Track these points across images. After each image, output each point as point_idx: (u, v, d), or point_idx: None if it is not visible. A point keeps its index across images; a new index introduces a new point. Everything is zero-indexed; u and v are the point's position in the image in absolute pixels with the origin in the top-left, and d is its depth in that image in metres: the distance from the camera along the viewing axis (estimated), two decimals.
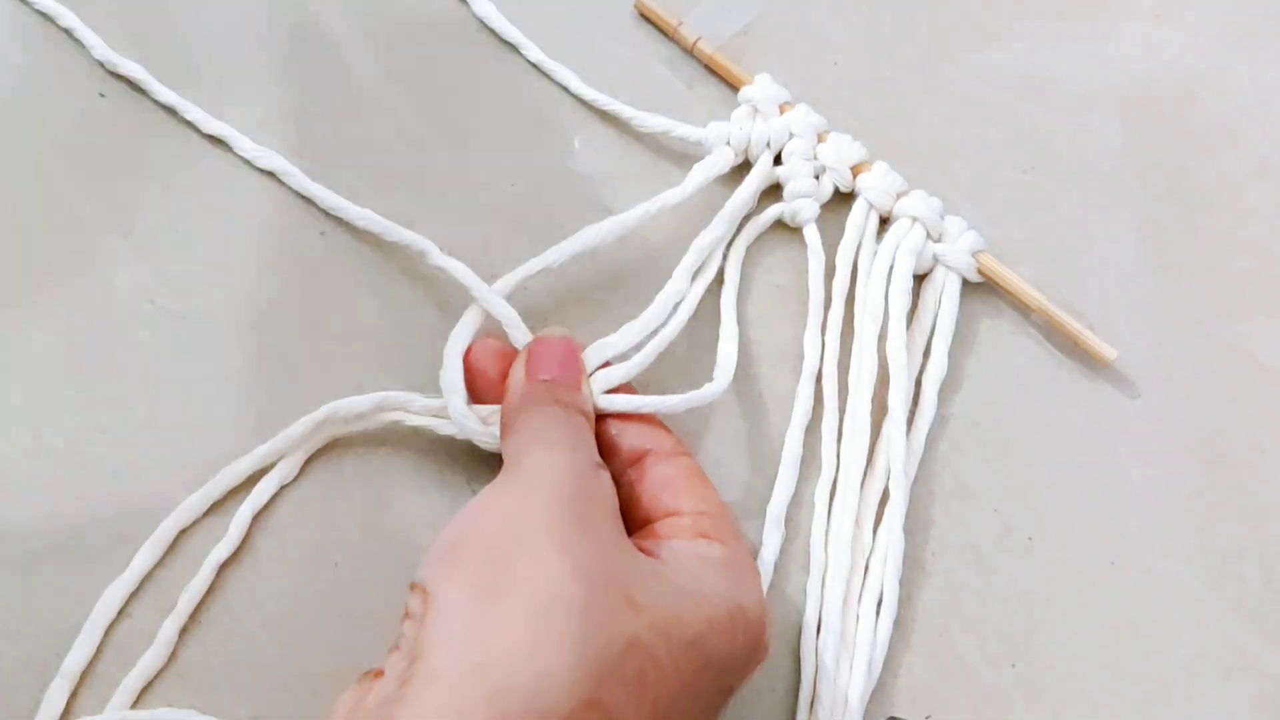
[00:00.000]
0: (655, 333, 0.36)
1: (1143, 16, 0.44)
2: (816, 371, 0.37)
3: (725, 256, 0.39)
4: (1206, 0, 0.44)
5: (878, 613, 0.35)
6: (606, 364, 0.35)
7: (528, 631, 0.26)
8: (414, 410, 0.35)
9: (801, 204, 0.39)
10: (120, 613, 0.33)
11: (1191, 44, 0.44)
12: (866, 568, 0.35)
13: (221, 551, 0.34)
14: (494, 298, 0.35)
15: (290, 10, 0.41)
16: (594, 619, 0.26)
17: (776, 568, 0.35)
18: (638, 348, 0.35)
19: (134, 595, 0.33)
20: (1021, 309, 0.39)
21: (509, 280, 0.36)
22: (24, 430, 0.35)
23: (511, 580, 0.26)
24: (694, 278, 0.38)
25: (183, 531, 0.34)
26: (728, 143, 0.39)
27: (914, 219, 0.39)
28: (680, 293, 0.37)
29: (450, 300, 0.37)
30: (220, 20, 0.41)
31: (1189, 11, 0.44)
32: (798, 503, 0.36)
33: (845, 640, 0.34)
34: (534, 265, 0.36)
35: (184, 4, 0.41)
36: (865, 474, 0.36)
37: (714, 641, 0.28)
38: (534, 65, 0.41)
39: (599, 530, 0.29)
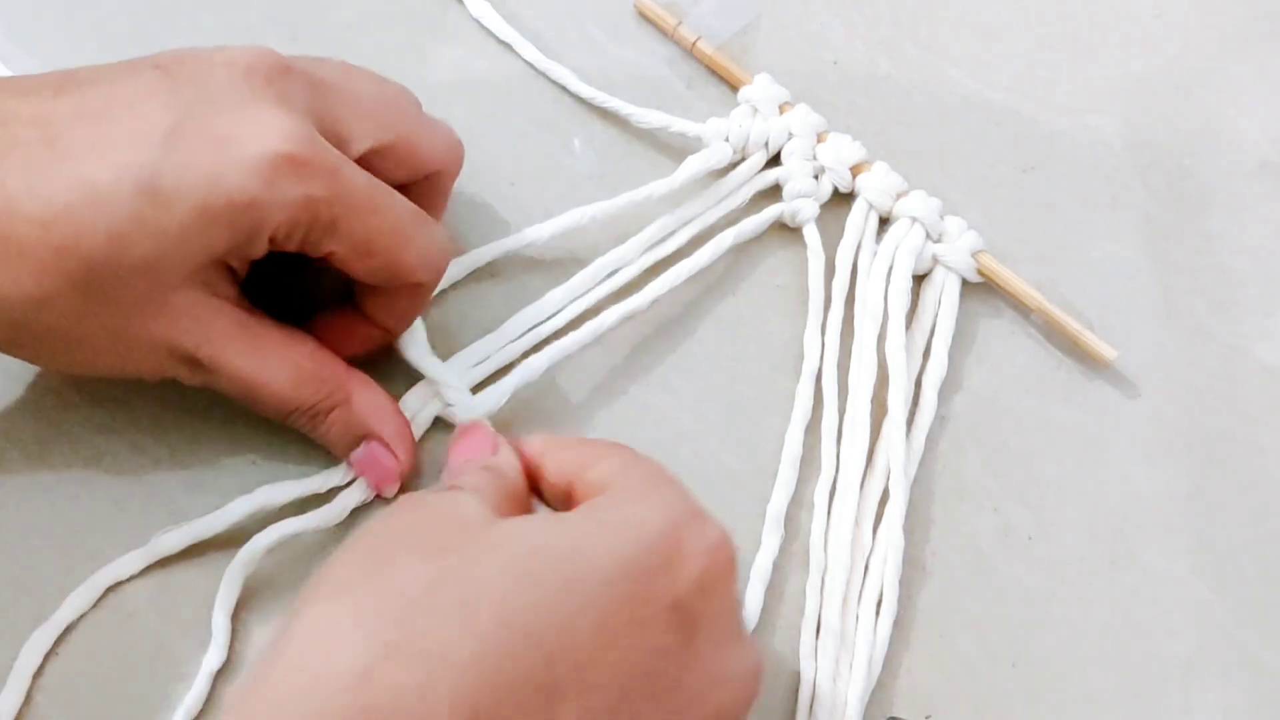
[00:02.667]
0: (579, 298, 0.37)
1: (1143, 16, 0.44)
2: (816, 371, 0.37)
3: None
4: (1206, 0, 0.44)
5: (878, 613, 0.35)
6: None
7: None
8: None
9: (801, 204, 0.39)
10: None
11: (1191, 44, 0.44)
12: (866, 568, 0.35)
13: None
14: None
15: (287, 9, 0.41)
16: None
17: (776, 568, 0.35)
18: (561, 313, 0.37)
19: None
20: (1021, 309, 0.39)
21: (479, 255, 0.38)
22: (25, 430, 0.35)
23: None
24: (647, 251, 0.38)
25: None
26: (726, 139, 0.39)
27: (913, 219, 0.39)
28: (621, 260, 0.37)
29: None
30: (219, 21, 0.41)
31: (1189, 11, 0.44)
32: (798, 503, 0.36)
33: (845, 640, 0.34)
34: (519, 239, 0.37)
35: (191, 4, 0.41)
36: (865, 474, 0.36)
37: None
38: (531, 65, 0.41)
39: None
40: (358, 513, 0.35)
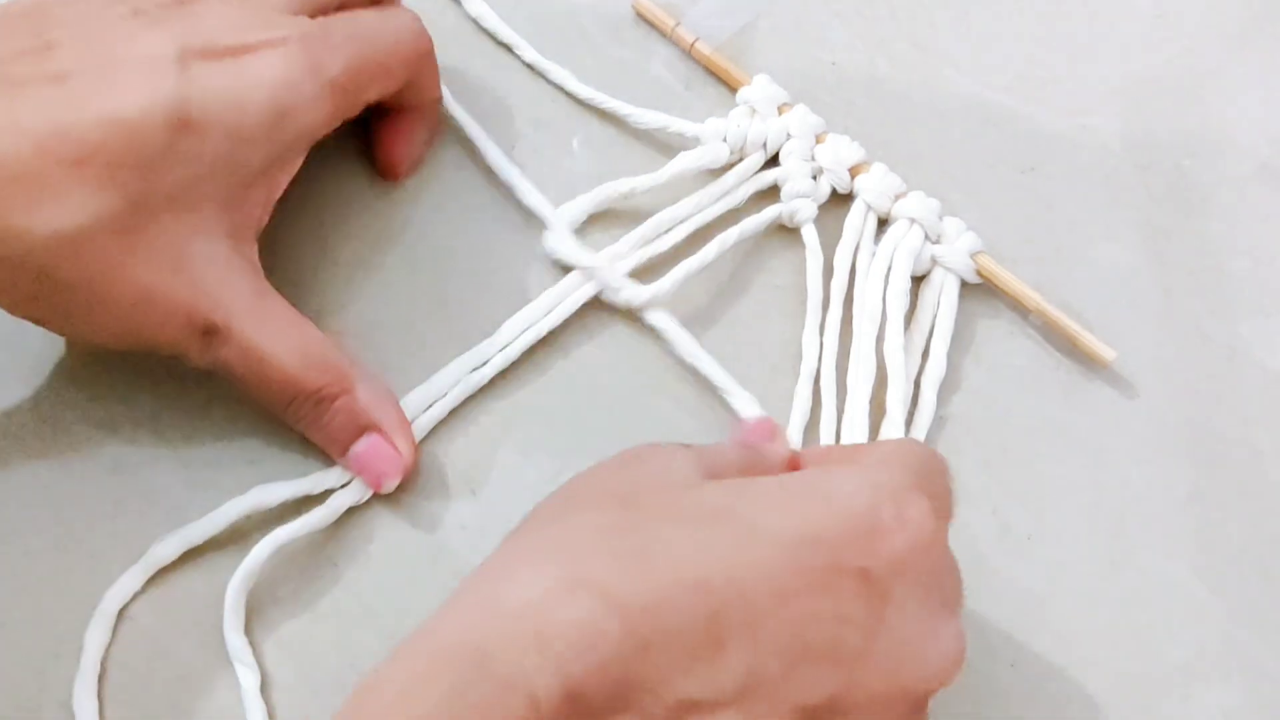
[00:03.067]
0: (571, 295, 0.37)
1: (1143, 16, 0.44)
2: (814, 372, 0.37)
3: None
4: (1207, 1, 0.44)
5: None
6: None
7: None
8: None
9: (799, 204, 0.39)
10: None
11: (1191, 44, 0.44)
12: None
13: None
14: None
15: None
16: None
17: None
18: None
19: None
20: (1020, 310, 0.39)
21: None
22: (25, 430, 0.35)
23: None
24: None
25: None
26: (724, 139, 0.39)
27: (912, 220, 0.39)
28: (615, 255, 0.38)
29: None
30: None
31: (1189, 11, 0.44)
32: None
33: None
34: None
35: None
36: None
37: None
38: (529, 66, 0.41)
39: None
40: (353, 513, 0.35)
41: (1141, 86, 0.43)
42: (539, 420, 0.37)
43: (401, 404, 0.35)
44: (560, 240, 0.38)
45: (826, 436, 0.37)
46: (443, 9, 0.42)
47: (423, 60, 0.37)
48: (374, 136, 0.38)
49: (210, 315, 0.31)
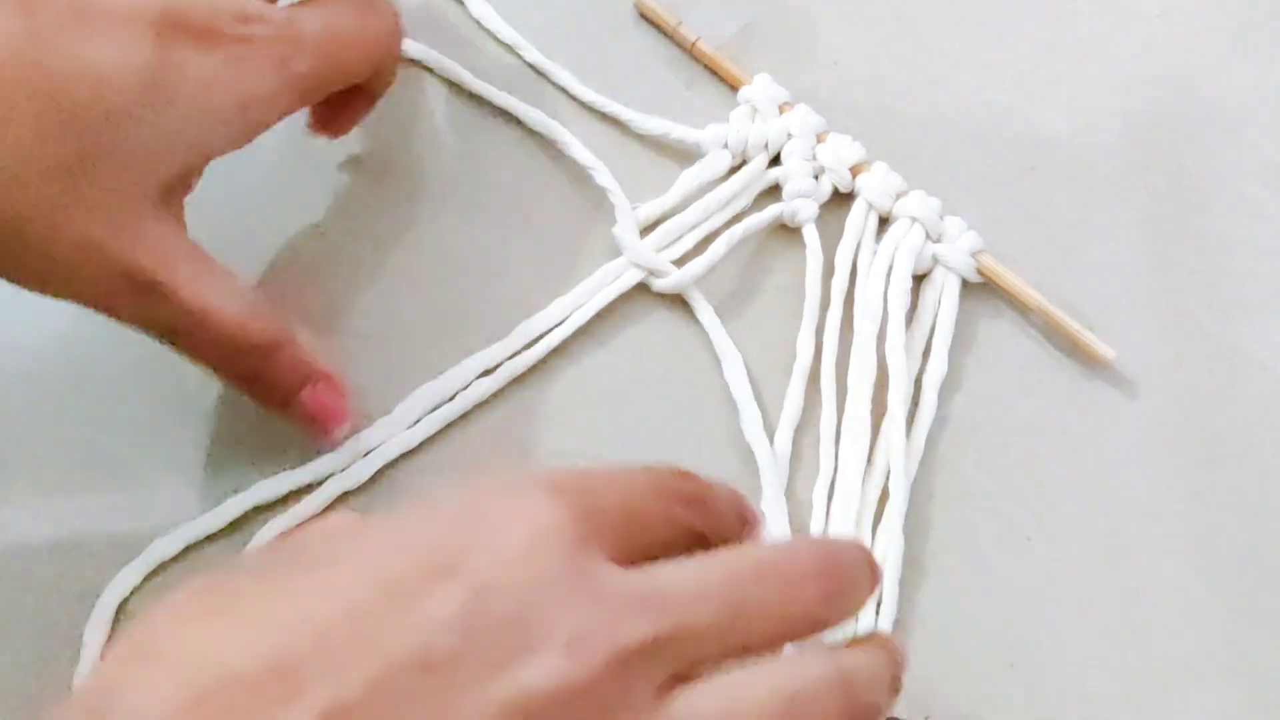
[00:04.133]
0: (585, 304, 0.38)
1: (1143, 16, 0.44)
2: (808, 371, 0.37)
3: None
4: (1208, 1, 0.44)
5: (877, 613, 0.35)
6: None
7: None
8: None
9: (800, 204, 0.39)
10: None
11: (1191, 44, 0.44)
12: None
13: None
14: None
15: None
16: None
17: None
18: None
19: None
20: (1021, 309, 0.39)
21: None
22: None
23: None
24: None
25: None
26: (725, 145, 0.40)
27: (913, 219, 0.39)
28: (621, 268, 0.38)
29: None
30: None
31: (1189, 11, 0.44)
32: (797, 503, 0.36)
33: None
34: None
35: None
36: (865, 474, 0.36)
37: None
38: (531, 66, 0.41)
39: None
40: (347, 497, 0.35)
41: (1141, 86, 0.43)
42: (544, 418, 0.37)
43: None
44: (629, 233, 0.38)
45: (826, 436, 0.37)
46: (445, 8, 0.42)
47: (392, 60, 0.36)
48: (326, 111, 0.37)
49: (152, 273, 0.30)
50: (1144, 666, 0.35)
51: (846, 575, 0.26)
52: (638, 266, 0.38)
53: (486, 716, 0.21)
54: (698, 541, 0.26)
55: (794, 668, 0.25)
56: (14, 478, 0.35)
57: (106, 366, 0.36)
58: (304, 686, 0.21)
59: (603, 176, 0.39)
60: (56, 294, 0.31)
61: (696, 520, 0.26)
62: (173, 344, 0.32)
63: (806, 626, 0.25)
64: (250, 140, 0.33)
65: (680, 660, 0.23)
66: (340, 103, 0.36)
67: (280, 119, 0.33)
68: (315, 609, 0.22)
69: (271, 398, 0.33)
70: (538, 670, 0.22)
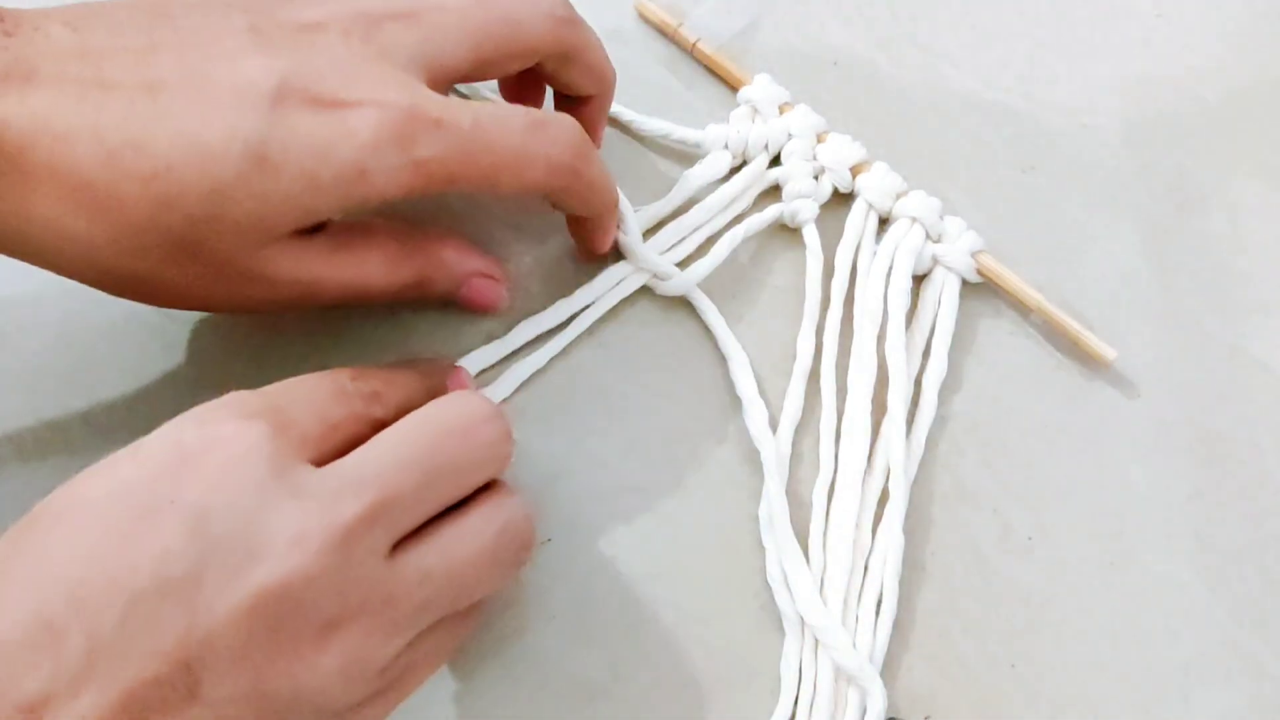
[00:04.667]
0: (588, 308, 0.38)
1: (1143, 16, 0.44)
2: (808, 371, 0.37)
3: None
4: (1206, 0, 0.44)
5: (877, 613, 0.35)
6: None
7: None
8: None
9: (800, 204, 0.39)
10: None
11: (1191, 44, 0.44)
12: (866, 568, 0.35)
13: None
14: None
15: None
16: None
17: None
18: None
19: None
20: (1021, 309, 0.39)
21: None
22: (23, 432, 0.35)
23: None
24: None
25: None
26: (725, 146, 0.40)
27: (913, 219, 0.39)
28: (626, 272, 0.38)
29: None
30: None
31: (1189, 11, 0.44)
32: (797, 503, 0.36)
33: None
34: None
35: None
36: (864, 474, 0.36)
37: None
38: None
39: None
40: None
41: (1141, 86, 0.43)
42: (545, 419, 0.37)
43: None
44: (633, 237, 0.38)
45: (826, 436, 0.37)
46: None
47: (570, 182, 0.34)
48: (571, 230, 0.38)
49: (292, 284, 0.32)
50: (1144, 666, 0.35)
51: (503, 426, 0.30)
52: (643, 270, 0.38)
53: (234, 623, 0.25)
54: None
55: (498, 505, 0.30)
56: (14, 481, 0.35)
57: (108, 367, 0.36)
58: (62, 637, 0.24)
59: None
60: (233, 312, 0.35)
61: (377, 411, 0.30)
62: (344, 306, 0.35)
63: (495, 466, 0.30)
64: (368, 207, 0.32)
65: (395, 527, 0.27)
66: (580, 232, 0.37)
67: (398, 199, 0.32)
68: (57, 568, 0.25)
69: (439, 301, 0.37)
70: (268, 570, 0.25)
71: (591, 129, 0.37)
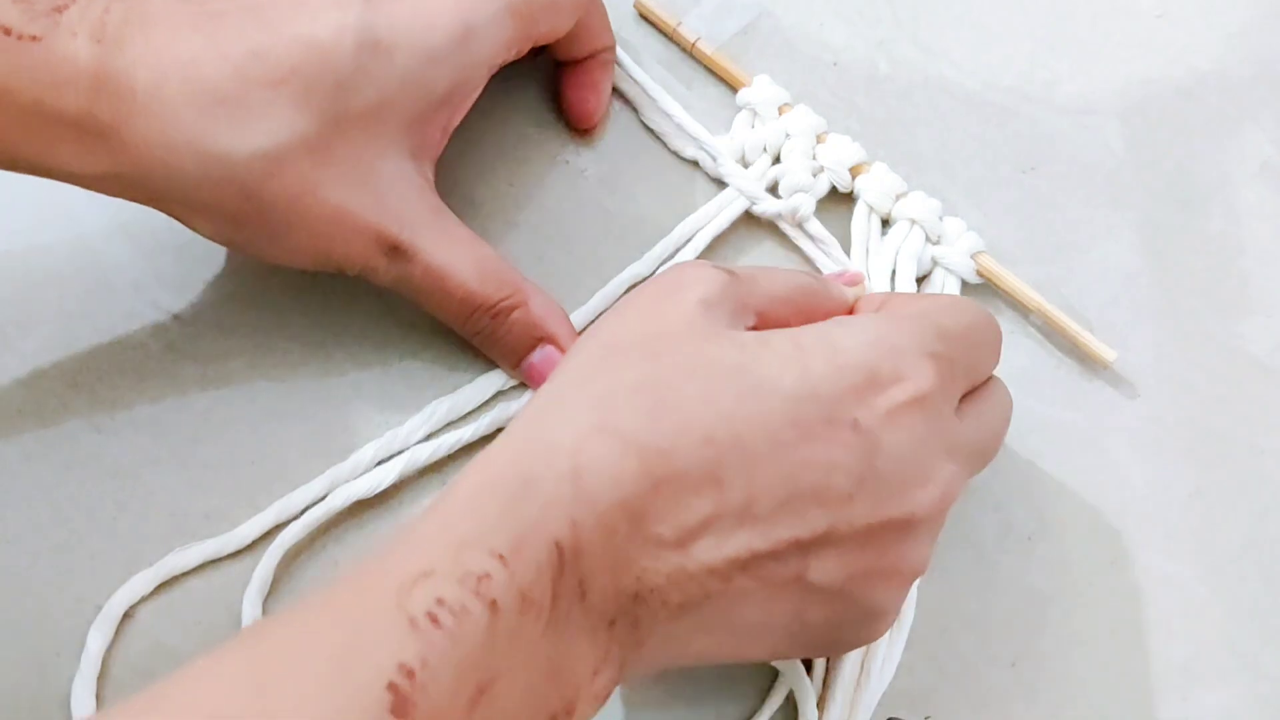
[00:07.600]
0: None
1: (1143, 16, 0.44)
2: None
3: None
4: (1206, 0, 0.44)
5: None
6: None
7: None
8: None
9: (799, 199, 0.39)
10: None
11: (1191, 44, 0.44)
12: None
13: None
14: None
15: None
16: None
17: None
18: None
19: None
20: (1021, 310, 0.39)
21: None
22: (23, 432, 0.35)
23: None
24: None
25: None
26: (740, 158, 0.40)
27: (913, 222, 0.39)
28: (636, 276, 0.38)
29: None
30: None
31: (1189, 11, 0.44)
32: None
33: None
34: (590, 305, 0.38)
35: None
36: None
37: None
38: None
39: None
40: (359, 508, 0.35)
41: (1141, 86, 0.43)
42: None
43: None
44: (728, 163, 0.39)
45: None
46: None
47: (591, 3, 0.38)
48: (562, 92, 0.40)
49: (396, 234, 0.33)
50: (1144, 666, 0.35)
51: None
52: (743, 196, 0.39)
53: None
54: None
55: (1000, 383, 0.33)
56: (15, 479, 0.35)
57: (108, 367, 0.36)
58: (725, 489, 0.27)
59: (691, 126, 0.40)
60: (321, 266, 0.34)
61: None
62: (416, 302, 0.35)
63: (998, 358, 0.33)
64: (480, 81, 0.34)
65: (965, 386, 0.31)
66: (580, 80, 0.39)
67: (504, 56, 0.35)
68: (749, 445, 0.27)
69: (504, 358, 0.36)
70: (905, 390, 0.28)
71: (595, 88, 0.39)
